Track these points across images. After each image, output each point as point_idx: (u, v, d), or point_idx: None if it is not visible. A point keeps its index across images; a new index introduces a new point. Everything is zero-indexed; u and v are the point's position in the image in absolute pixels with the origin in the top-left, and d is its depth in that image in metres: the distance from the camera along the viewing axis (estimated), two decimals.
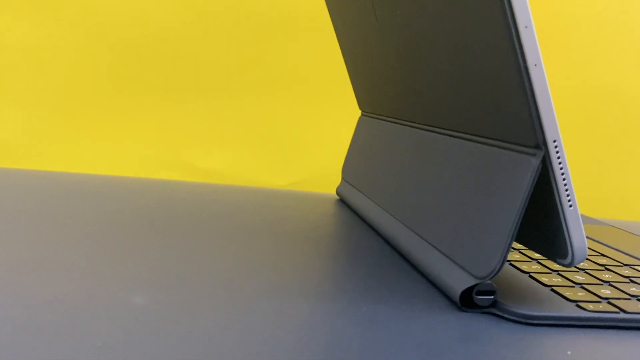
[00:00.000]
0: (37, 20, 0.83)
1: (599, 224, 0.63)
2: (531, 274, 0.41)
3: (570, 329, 0.34)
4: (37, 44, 0.84)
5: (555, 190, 0.33)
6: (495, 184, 0.35)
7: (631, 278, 0.43)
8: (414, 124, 0.49)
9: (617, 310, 0.36)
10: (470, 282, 0.35)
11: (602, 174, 0.96)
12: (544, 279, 0.40)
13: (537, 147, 0.32)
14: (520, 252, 0.47)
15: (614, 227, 0.62)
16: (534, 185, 0.33)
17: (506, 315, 0.35)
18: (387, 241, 0.49)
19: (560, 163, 0.32)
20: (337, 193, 0.66)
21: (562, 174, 0.32)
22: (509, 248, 0.33)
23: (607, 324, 0.35)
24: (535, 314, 0.34)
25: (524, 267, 0.43)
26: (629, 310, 0.36)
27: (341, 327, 0.31)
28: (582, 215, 0.68)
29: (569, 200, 0.33)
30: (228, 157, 0.86)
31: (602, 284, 0.41)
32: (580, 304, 0.36)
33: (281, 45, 0.86)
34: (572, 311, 0.35)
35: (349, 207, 0.62)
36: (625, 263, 0.47)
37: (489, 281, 0.35)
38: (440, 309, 0.35)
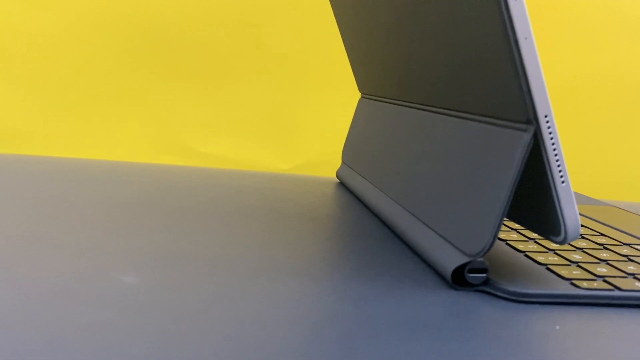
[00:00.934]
0: (34, 2, 0.83)
1: (601, 204, 0.63)
2: (527, 253, 0.41)
3: (564, 307, 0.34)
4: (34, 27, 0.83)
5: (547, 167, 0.32)
6: (487, 160, 0.35)
7: (629, 257, 0.42)
8: (409, 104, 0.49)
9: (612, 287, 0.36)
10: (461, 259, 0.35)
11: (608, 156, 0.95)
12: (540, 258, 0.40)
13: (528, 122, 0.32)
14: (517, 232, 0.47)
15: (617, 207, 0.61)
16: (525, 162, 0.32)
17: (498, 293, 0.34)
18: (383, 222, 0.49)
19: (552, 139, 0.32)
20: (337, 176, 0.66)
21: (554, 149, 0.32)
22: (499, 225, 0.33)
23: (600, 301, 0.34)
24: (527, 291, 0.34)
25: (520, 246, 0.43)
26: (624, 287, 0.36)
27: (330, 304, 0.31)
28: (585, 196, 0.67)
29: (562, 177, 0.32)
30: (230, 142, 0.86)
31: (599, 263, 0.40)
32: (574, 281, 0.36)
33: (282, 28, 0.85)
34: (565, 289, 0.35)
35: (348, 190, 0.61)
36: (624, 242, 0.46)
37: (481, 259, 0.35)
38: (432, 288, 0.35)
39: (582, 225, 0.51)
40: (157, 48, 0.85)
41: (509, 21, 0.30)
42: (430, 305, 0.32)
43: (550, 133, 0.32)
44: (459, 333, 0.29)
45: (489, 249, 0.33)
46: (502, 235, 0.45)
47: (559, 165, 0.32)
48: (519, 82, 0.31)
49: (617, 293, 0.35)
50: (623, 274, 0.38)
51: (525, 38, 0.31)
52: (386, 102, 0.55)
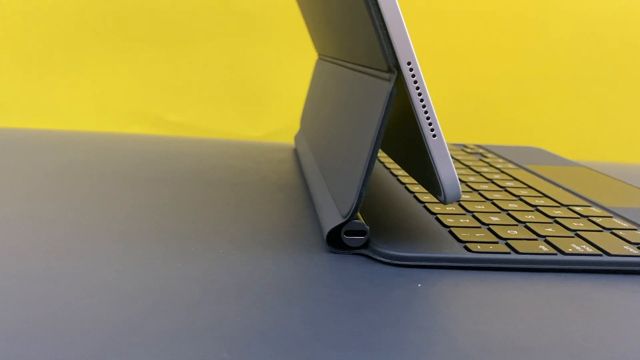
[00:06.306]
0: None
1: (572, 165, 0.58)
2: (437, 215, 0.38)
3: (444, 270, 0.31)
4: None
5: (416, 119, 0.30)
6: (359, 113, 0.33)
7: (557, 218, 0.39)
8: (331, 59, 0.46)
9: (510, 251, 0.33)
10: (336, 221, 0.32)
11: (603, 116, 0.89)
12: (449, 220, 0.37)
13: (390, 70, 0.29)
14: None
15: (588, 168, 0.57)
16: (388, 113, 0.30)
17: (375, 256, 0.32)
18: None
19: (417, 88, 0.29)
20: (294, 141, 0.64)
21: (421, 100, 0.29)
22: (364, 183, 0.30)
23: (488, 265, 0.32)
24: (404, 254, 0.31)
25: (437, 208, 0.40)
26: (522, 251, 0.33)
27: (179, 270, 0.30)
28: (558, 156, 0.63)
29: (432, 130, 0.30)
30: (200, 110, 0.83)
31: (516, 225, 0.37)
32: (468, 245, 0.33)
33: None
34: (452, 252, 0.32)
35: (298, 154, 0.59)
36: (564, 204, 0.43)
37: (359, 221, 0.32)
38: (313, 252, 0.33)
39: (528, 186, 0.47)
40: (120, 14, 0.82)
41: None
42: (293, 269, 0.30)
43: (415, 82, 0.29)
44: (299, 298, 0.27)
45: (356, 209, 0.31)
46: (424, 198, 0.42)
47: (428, 118, 0.30)
48: (376, 27, 0.28)
49: (510, 256, 0.32)
50: (533, 237, 0.35)
51: None
52: (324, 59, 0.53)
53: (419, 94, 0.29)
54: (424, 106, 0.29)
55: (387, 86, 0.29)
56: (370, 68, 0.33)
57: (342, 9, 0.35)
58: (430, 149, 0.30)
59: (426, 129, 0.30)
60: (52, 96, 0.84)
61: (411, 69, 0.29)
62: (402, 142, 0.36)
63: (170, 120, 0.84)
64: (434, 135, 0.30)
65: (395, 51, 0.29)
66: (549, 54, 0.87)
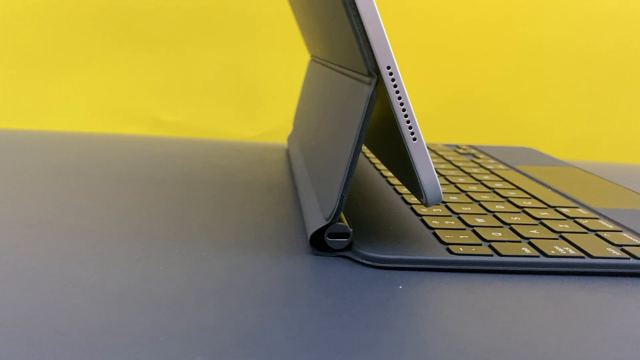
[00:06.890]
0: None
1: (563, 166, 0.58)
2: (423, 217, 0.39)
3: (428, 273, 0.31)
4: None
5: (397, 122, 0.30)
6: (342, 115, 0.33)
7: (543, 220, 0.39)
8: (319, 60, 0.47)
9: (491, 253, 0.33)
10: (320, 223, 0.33)
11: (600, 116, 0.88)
12: (434, 222, 0.38)
13: (370, 74, 0.30)
14: None
15: (579, 168, 0.57)
16: (368, 117, 0.30)
17: (357, 259, 0.32)
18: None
19: (397, 92, 0.29)
20: (287, 141, 0.64)
21: (401, 104, 0.29)
22: (346, 185, 0.31)
23: (468, 267, 0.32)
24: (386, 257, 0.32)
25: (423, 210, 0.40)
26: (504, 253, 0.33)
27: (160, 272, 0.30)
28: (549, 156, 0.63)
29: (412, 133, 0.30)
30: (195, 109, 0.83)
31: (501, 227, 0.38)
32: (450, 247, 0.33)
33: None
34: (433, 254, 0.32)
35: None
36: (551, 205, 0.43)
37: (342, 223, 0.33)
38: (295, 254, 0.33)
39: (517, 187, 0.48)
40: (115, 14, 0.82)
41: None
42: (274, 273, 0.31)
43: (395, 86, 0.29)
44: (279, 300, 0.27)
45: (338, 212, 0.31)
46: (411, 199, 0.42)
47: (408, 121, 0.30)
48: (355, 32, 0.29)
49: (492, 259, 0.32)
50: (517, 239, 0.35)
51: None
52: (315, 61, 0.53)
53: (399, 98, 0.29)
54: (404, 110, 0.29)
55: (368, 90, 0.29)
56: (353, 71, 0.33)
57: (326, 12, 0.35)
58: (410, 152, 0.30)
59: (406, 133, 0.30)
60: (47, 97, 0.84)
61: (391, 73, 0.29)
62: (386, 144, 0.37)
63: (166, 120, 0.84)
64: (414, 139, 0.30)
65: (375, 55, 0.29)
66: (544, 53, 0.87)
